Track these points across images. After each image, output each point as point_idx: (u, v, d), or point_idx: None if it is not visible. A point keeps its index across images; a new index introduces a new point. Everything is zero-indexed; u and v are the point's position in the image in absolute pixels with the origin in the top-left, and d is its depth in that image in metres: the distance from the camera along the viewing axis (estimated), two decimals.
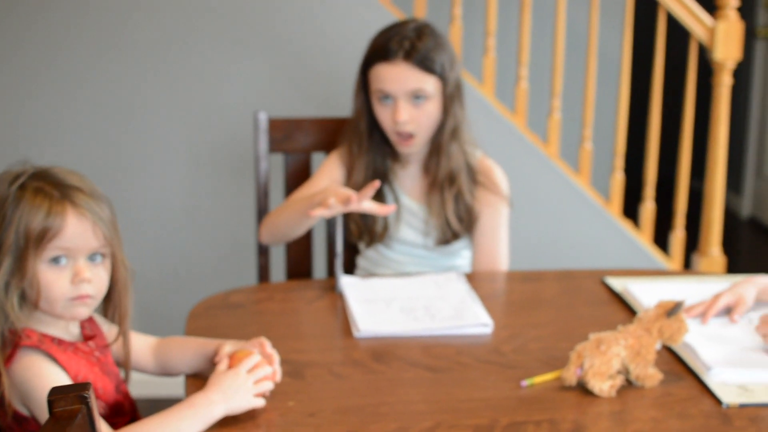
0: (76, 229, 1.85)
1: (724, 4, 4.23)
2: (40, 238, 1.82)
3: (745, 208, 7.03)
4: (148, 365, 2.11)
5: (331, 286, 2.54)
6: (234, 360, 1.92)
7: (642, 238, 4.36)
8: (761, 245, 6.58)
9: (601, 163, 4.94)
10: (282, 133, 3.02)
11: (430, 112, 2.69)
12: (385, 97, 2.68)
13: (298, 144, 3.03)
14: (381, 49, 2.67)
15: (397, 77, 2.65)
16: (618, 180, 4.38)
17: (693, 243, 4.55)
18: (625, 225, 4.34)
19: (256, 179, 3.00)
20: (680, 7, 4.27)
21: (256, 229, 3.01)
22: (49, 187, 1.84)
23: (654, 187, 4.42)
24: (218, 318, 2.35)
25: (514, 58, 4.38)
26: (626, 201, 4.53)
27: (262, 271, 2.99)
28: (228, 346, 1.99)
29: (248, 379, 1.87)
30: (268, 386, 1.90)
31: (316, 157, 3.07)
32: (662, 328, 2.03)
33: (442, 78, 2.69)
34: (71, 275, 1.86)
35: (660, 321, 2.03)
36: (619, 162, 4.38)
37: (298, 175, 3.03)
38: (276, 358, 1.97)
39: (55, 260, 1.85)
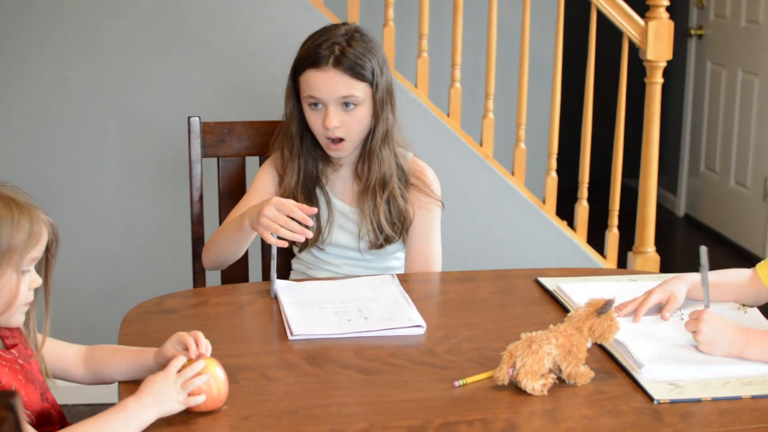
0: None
1: (655, 3, 4.28)
2: (22, 249, 1.85)
3: (681, 207, 7.09)
4: (78, 374, 2.09)
5: (265, 289, 2.54)
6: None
7: (577, 237, 4.39)
8: (696, 243, 6.60)
9: (537, 163, 4.97)
10: (215, 137, 3.01)
11: (361, 117, 2.69)
12: (316, 103, 2.67)
13: (232, 148, 3.03)
14: (311, 55, 2.67)
15: (327, 84, 2.65)
16: (552, 180, 4.41)
17: (627, 240, 4.59)
18: (560, 225, 4.37)
19: (190, 184, 2.99)
20: (613, 7, 4.31)
21: (191, 234, 3.00)
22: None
23: (589, 187, 4.45)
24: (151, 323, 2.34)
25: (449, 60, 4.39)
26: (564, 201, 4.55)
27: (197, 276, 2.98)
28: (169, 348, 1.97)
29: (178, 380, 1.86)
30: (199, 400, 1.88)
31: (251, 161, 3.06)
32: (593, 327, 2.04)
33: (373, 83, 2.69)
34: (29, 282, 1.90)
35: (590, 319, 2.04)
36: (553, 163, 4.41)
37: (232, 179, 3.03)
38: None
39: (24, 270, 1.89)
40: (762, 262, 2.52)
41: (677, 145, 7.06)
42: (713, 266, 2.53)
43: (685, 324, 2.18)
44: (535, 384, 1.98)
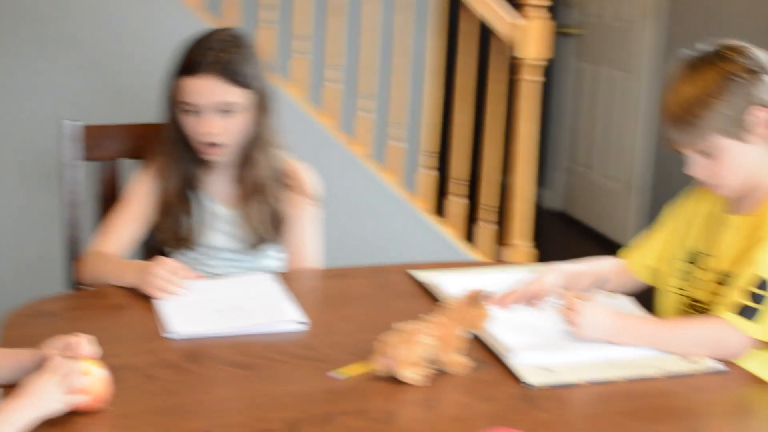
0: None
1: (528, 2, 4.35)
2: None
3: (556, 203, 7.23)
4: None
5: (141, 291, 2.54)
6: None
7: (450, 232, 4.46)
8: (571, 238, 6.78)
9: (415, 161, 5.02)
10: (90, 141, 3.00)
11: (238, 123, 2.71)
12: (193, 109, 2.68)
13: (107, 151, 3.02)
14: (188, 62, 2.67)
15: (204, 90, 2.65)
16: (425, 176, 4.47)
17: (505, 237, 4.66)
18: (434, 220, 4.43)
19: (62, 189, 2.98)
20: (484, 7, 4.37)
21: (61, 239, 2.99)
22: None
23: (463, 184, 4.53)
24: (31, 327, 2.32)
25: (323, 59, 4.42)
26: (442, 198, 4.61)
27: (71, 279, 2.96)
28: (50, 348, 1.97)
29: (59, 380, 1.85)
30: (80, 399, 1.88)
31: (126, 164, 3.06)
32: (465, 316, 2.10)
33: (250, 89, 2.69)
34: None
35: (463, 309, 2.10)
36: (425, 159, 4.48)
37: (107, 183, 3.02)
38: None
39: None
40: (625, 249, 2.60)
41: (556, 143, 7.18)
42: (586, 257, 2.62)
43: (560, 310, 2.24)
44: (411, 373, 2.02)
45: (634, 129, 6.30)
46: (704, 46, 2.35)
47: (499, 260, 4.31)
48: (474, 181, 4.59)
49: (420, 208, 4.42)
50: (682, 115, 2.29)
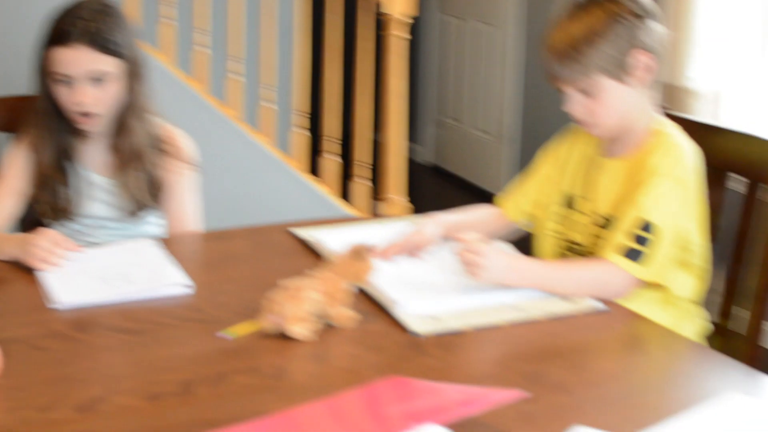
0: None
1: None
2: None
3: (428, 157, 7.30)
4: None
5: (24, 263, 2.52)
6: None
7: (326, 190, 4.49)
8: (444, 190, 6.87)
9: (289, 122, 5.04)
10: None
11: (112, 92, 2.69)
12: (64, 78, 2.66)
13: None
14: (58, 32, 2.64)
15: (76, 60, 2.63)
16: (298, 137, 4.49)
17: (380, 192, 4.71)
18: (310, 179, 4.45)
19: None
20: None
21: None
22: None
23: (336, 142, 4.56)
24: None
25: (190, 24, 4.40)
26: (319, 157, 4.64)
27: None
28: None
29: None
30: None
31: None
32: (350, 270, 2.13)
33: (122, 57, 2.68)
34: None
35: (347, 263, 2.13)
36: (298, 119, 4.49)
37: None
38: None
39: None
40: (499, 195, 2.66)
41: (419, 97, 7.24)
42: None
43: (460, 254, 2.25)
44: (301, 329, 2.04)
45: (501, 80, 6.39)
46: None
47: (375, 215, 4.36)
48: (347, 139, 4.63)
49: (295, 168, 4.44)
50: (567, 51, 2.33)
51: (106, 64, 2.66)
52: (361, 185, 4.56)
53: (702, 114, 4.29)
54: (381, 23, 4.47)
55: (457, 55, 6.80)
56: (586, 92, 2.36)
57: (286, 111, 5.02)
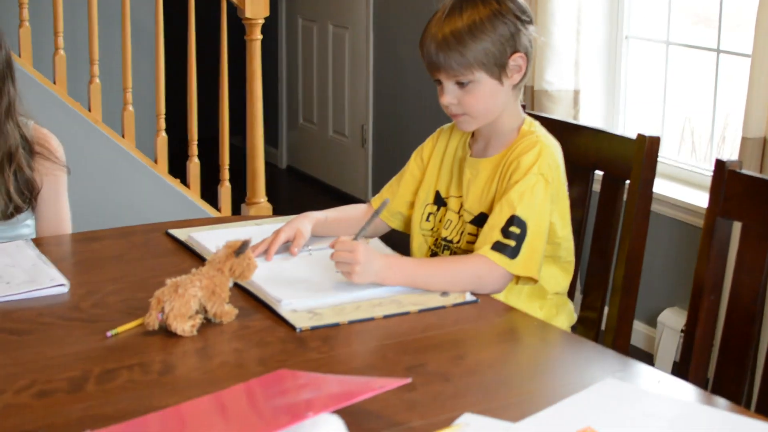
0: None
1: None
2: None
3: (283, 159, 7.34)
4: None
5: None
6: None
7: (191, 193, 4.51)
8: (299, 191, 6.93)
9: (148, 125, 5.04)
10: None
11: None
12: None
13: None
14: None
15: None
16: (162, 140, 4.50)
17: (238, 195, 4.73)
18: (174, 182, 4.46)
19: None
20: None
21: None
22: None
23: (196, 145, 4.57)
24: None
25: (51, 28, 4.38)
26: (176, 161, 4.65)
27: None
28: None
29: None
30: None
31: None
32: (233, 267, 2.16)
33: None
34: None
35: (230, 260, 2.17)
36: (161, 123, 4.50)
37: None
38: None
39: None
40: (376, 196, 2.72)
41: (275, 100, 7.28)
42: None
43: (332, 255, 2.30)
44: (185, 326, 2.07)
45: (353, 83, 6.46)
46: None
47: (241, 216, 4.39)
48: (209, 142, 4.66)
49: (159, 170, 4.45)
50: (450, 42, 2.39)
51: None
52: (224, 187, 4.59)
53: (561, 115, 4.42)
54: (240, 27, 4.51)
55: (320, 59, 6.85)
56: (462, 85, 2.43)
57: (145, 114, 5.02)
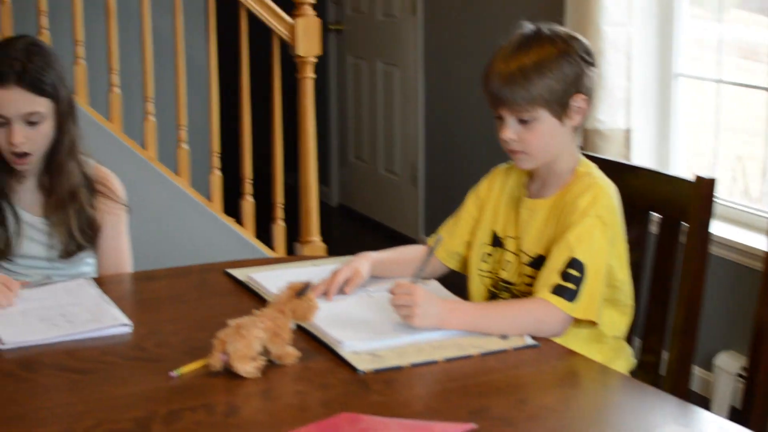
0: None
1: (301, 1, 4.45)
2: None
3: (334, 197, 7.36)
4: None
5: None
6: None
7: (245, 232, 4.53)
8: (351, 229, 6.94)
9: (201, 163, 5.07)
10: None
11: (45, 132, 2.72)
12: (0, 120, 2.68)
13: None
14: None
15: (10, 101, 2.65)
16: (216, 178, 4.53)
17: (291, 233, 4.75)
18: (229, 221, 4.49)
19: None
20: (261, 7, 4.45)
21: None
22: None
23: (251, 183, 4.60)
24: None
25: (105, 65, 4.43)
26: (227, 198, 4.68)
27: None
28: None
29: None
30: None
31: None
32: (294, 308, 2.18)
33: (55, 98, 2.71)
34: None
35: (292, 302, 2.18)
36: (216, 161, 4.53)
37: None
38: None
39: None
40: (432, 236, 2.73)
41: (325, 138, 7.30)
42: (372, 250, 2.73)
43: (392, 300, 2.31)
44: (248, 367, 2.09)
45: (404, 120, 6.47)
46: (543, 24, 2.49)
47: (297, 256, 4.40)
48: (259, 179, 4.68)
49: (213, 209, 4.48)
50: (516, 78, 2.41)
51: (41, 105, 2.68)
52: (278, 225, 4.61)
53: (612, 154, 4.41)
54: (293, 65, 4.54)
55: (371, 96, 6.86)
56: (523, 122, 2.44)
57: (200, 152, 5.05)
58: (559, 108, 2.43)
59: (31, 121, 2.68)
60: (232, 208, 4.66)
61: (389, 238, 6.55)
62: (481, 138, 5.42)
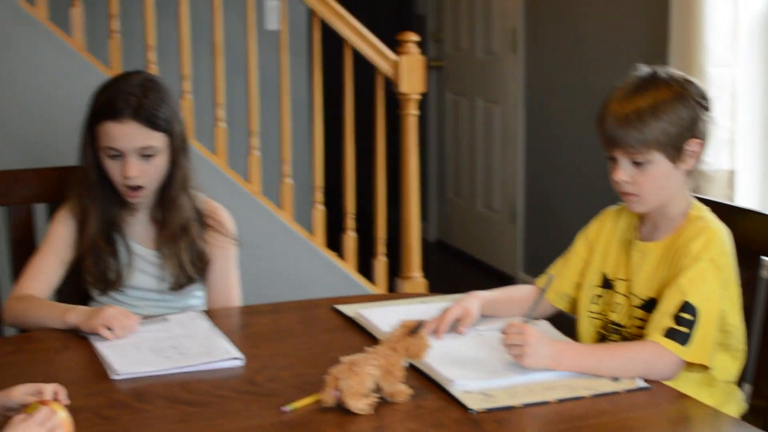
0: None
1: (406, 39, 4.48)
2: None
3: (432, 233, 7.37)
4: None
5: (75, 334, 2.56)
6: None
7: (346, 266, 4.55)
8: (448, 265, 6.94)
9: (303, 197, 5.11)
10: (2, 185, 3.01)
11: (159, 165, 2.76)
12: (114, 152, 2.72)
13: (20, 195, 3.04)
14: (108, 107, 2.71)
15: (126, 136, 2.70)
16: (319, 212, 4.55)
17: (390, 268, 4.75)
18: (330, 255, 4.51)
19: None
20: (365, 44, 4.48)
21: None
22: None
23: (353, 218, 4.62)
24: None
25: (210, 100, 4.48)
26: (327, 233, 4.70)
27: None
28: (18, 392, 2.00)
29: (40, 429, 1.89)
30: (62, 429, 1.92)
31: (39, 208, 3.08)
32: (407, 346, 2.18)
33: (169, 133, 2.76)
34: None
35: (405, 340, 2.18)
36: (319, 195, 4.56)
37: (22, 226, 3.03)
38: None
39: None
40: (541, 277, 2.71)
41: (424, 173, 7.31)
42: (468, 287, 2.73)
43: (504, 340, 2.31)
44: (360, 404, 2.09)
45: (507, 158, 6.46)
46: (659, 67, 2.49)
47: (397, 292, 4.42)
48: (357, 214, 4.70)
49: (316, 243, 4.50)
50: (632, 120, 2.40)
51: (155, 139, 2.73)
52: (380, 261, 4.62)
53: (716, 195, 4.37)
54: (395, 101, 4.57)
55: (470, 133, 6.87)
56: (637, 164, 2.42)
57: (302, 187, 5.09)
58: (674, 151, 2.41)
59: (145, 155, 2.72)
60: (332, 242, 4.68)
61: (487, 274, 6.54)
62: (580, 177, 5.40)
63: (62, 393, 2.02)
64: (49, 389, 1.99)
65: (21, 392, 2.00)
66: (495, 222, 6.62)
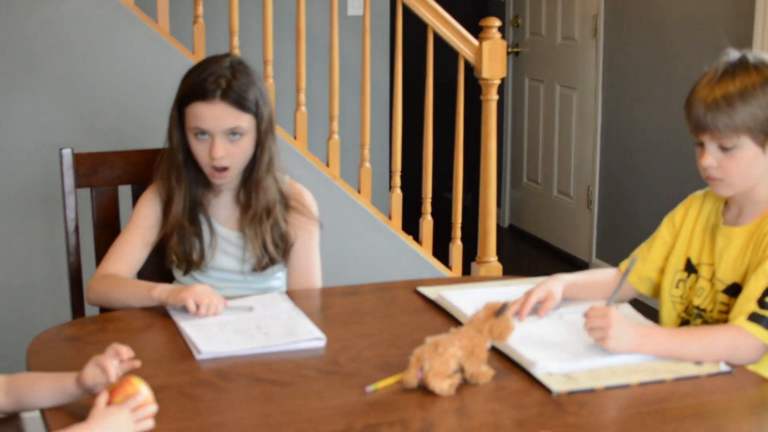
0: None
1: (488, 24, 4.47)
2: None
3: (505, 218, 7.36)
4: None
5: (160, 312, 2.59)
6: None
7: (423, 250, 4.56)
8: (522, 250, 6.93)
9: (380, 181, 5.12)
10: (88, 167, 3.05)
11: (246, 147, 2.79)
12: (202, 133, 2.75)
13: (105, 178, 3.07)
14: (198, 88, 2.74)
15: (215, 116, 2.73)
16: (397, 197, 4.56)
17: (465, 253, 4.75)
18: (407, 239, 4.52)
19: (64, 216, 3.03)
20: (448, 29, 4.48)
21: (67, 264, 3.04)
22: None
23: (430, 202, 4.63)
24: (57, 351, 2.39)
25: (292, 85, 4.51)
26: (407, 217, 4.71)
27: (75, 304, 3.02)
28: (87, 375, 2.02)
29: (131, 418, 1.91)
30: (148, 425, 1.94)
31: (123, 189, 3.11)
32: (492, 328, 2.19)
33: (257, 114, 2.78)
34: None
35: (489, 321, 2.19)
36: (397, 180, 4.57)
37: (106, 209, 3.07)
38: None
39: None
40: (624, 261, 2.70)
41: (499, 158, 7.30)
42: (542, 273, 2.72)
43: (586, 323, 2.32)
44: (443, 384, 2.10)
45: (580, 143, 6.44)
46: (749, 52, 2.47)
47: (474, 276, 4.42)
48: (433, 198, 4.70)
49: (393, 227, 4.52)
50: (720, 105, 2.38)
51: (243, 120, 2.75)
52: (456, 245, 4.63)
53: None
54: (471, 87, 4.56)
55: (546, 119, 6.85)
56: (725, 149, 2.40)
57: (379, 171, 5.10)
58: (762, 136, 2.39)
59: (232, 136, 2.75)
60: (408, 226, 4.68)
61: (560, 260, 6.52)
62: (656, 164, 5.35)
63: (124, 351, 2.03)
64: (111, 368, 1.99)
65: (90, 371, 2.01)
66: (569, 208, 6.60)
